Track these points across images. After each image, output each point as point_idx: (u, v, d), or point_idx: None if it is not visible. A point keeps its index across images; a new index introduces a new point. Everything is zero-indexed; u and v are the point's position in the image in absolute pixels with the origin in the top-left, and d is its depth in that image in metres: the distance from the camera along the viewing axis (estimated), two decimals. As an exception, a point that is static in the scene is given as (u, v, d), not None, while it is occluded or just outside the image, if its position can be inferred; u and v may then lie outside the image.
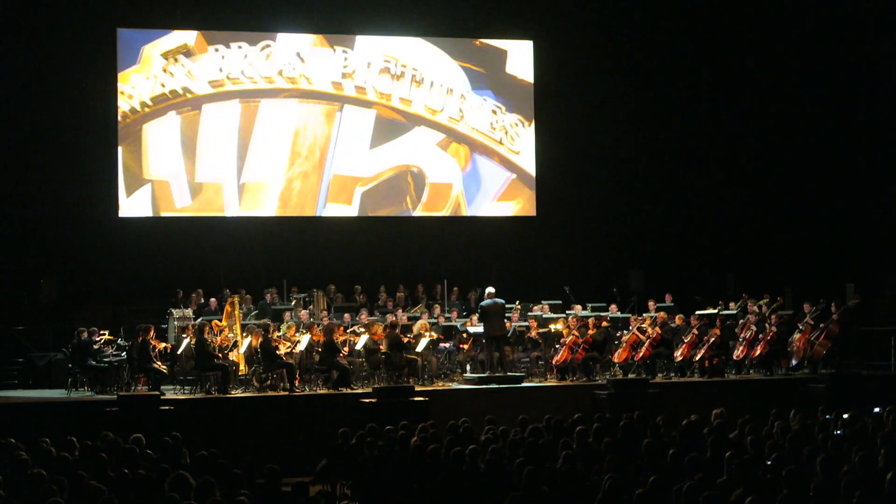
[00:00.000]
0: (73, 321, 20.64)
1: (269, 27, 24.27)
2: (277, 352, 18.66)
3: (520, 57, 25.73)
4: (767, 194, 26.15)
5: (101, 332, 19.66)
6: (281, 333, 19.38)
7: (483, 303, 19.64)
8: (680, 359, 20.35)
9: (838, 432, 13.07)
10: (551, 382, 19.84)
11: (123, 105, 23.37)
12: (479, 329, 19.82)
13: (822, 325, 20.55)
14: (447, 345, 20.42)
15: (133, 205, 23.56)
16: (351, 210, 24.77)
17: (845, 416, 13.73)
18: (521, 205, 25.72)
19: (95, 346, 19.19)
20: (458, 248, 25.00)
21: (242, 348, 18.92)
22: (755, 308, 21.45)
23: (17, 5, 22.82)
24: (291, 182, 24.43)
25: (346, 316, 21.02)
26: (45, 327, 21.94)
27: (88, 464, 10.91)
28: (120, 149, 23.39)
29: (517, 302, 21.68)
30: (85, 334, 19.06)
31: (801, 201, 25.67)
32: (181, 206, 23.85)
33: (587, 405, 17.72)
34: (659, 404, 17.33)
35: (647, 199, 26.54)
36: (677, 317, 20.92)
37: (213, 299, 21.70)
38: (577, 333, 19.88)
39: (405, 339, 19.34)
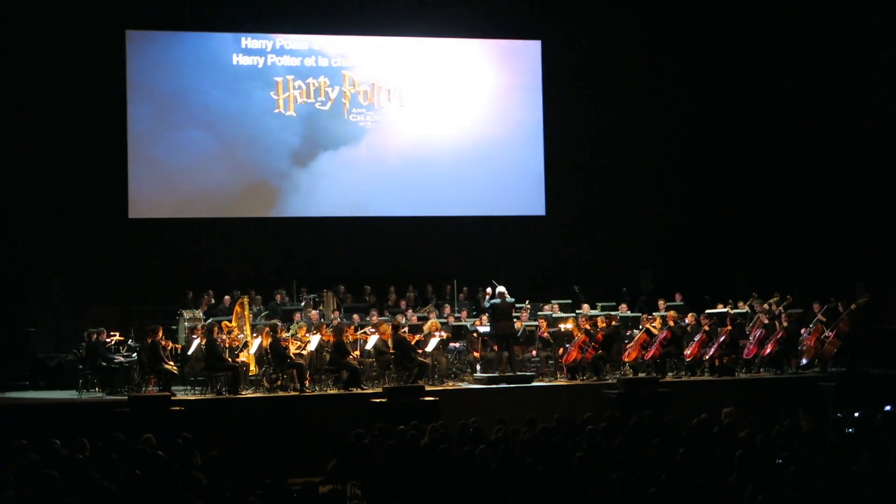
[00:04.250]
0: (83, 322, 20.67)
1: (279, 28, 24.29)
2: (287, 352, 18.69)
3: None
4: (777, 193, 26.10)
5: (112, 332, 19.72)
6: (290, 333, 19.41)
7: (492, 301, 19.65)
8: (690, 358, 20.33)
9: (849, 431, 13.07)
10: (561, 382, 19.83)
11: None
12: (488, 328, 19.83)
13: (832, 324, 20.54)
14: (457, 344, 20.43)
15: (143, 206, 23.60)
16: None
17: (855, 414, 13.72)
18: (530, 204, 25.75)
19: (107, 347, 19.24)
20: (468, 247, 25.00)
21: (253, 349, 18.96)
22: (765, 307, 21.44)
23: (26, 5, 22.86)
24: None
25: (356, 316, 21.03)
26: (56, 328, 21.98)
27: (99, 464, 10.95)
28: (130, 149, 23.44)
29: (527, 301, 21.68)
30: (95, 335, 19.11)
31: (811, 200, 25.61)
32: (191, 207, 23.87)
33: (597, 404, 17.71)
34: (669, 403, 17.33)
35: (656, 198, 26.53)
36: (689, 315, 20.91)
37: (227, 297, 21.77)
38: (586, 332, 19.87)
39: (415, 339, 19.37)
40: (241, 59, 24.11)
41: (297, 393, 18.34)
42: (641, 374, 19.90)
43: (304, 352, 18.95)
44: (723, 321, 20.69)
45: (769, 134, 26.09)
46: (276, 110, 24.23)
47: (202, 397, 18.24)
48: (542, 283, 24.15)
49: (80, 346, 19.50)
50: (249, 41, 24.18)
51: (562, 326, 20.43)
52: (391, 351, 19.04)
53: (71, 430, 13.77)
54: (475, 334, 20.31)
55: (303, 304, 21.95)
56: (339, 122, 24.59)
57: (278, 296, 22.36)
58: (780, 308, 21.31)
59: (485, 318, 20.21)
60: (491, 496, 10.59)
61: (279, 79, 24.24)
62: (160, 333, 18.68)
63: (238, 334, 19.36)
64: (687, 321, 20.76)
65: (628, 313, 21.68)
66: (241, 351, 19.03)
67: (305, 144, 24.47)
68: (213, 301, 21.91)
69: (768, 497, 9.33)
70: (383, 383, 18.71)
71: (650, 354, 20.12)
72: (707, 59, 26.25)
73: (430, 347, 19.37)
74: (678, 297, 22.73)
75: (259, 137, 24.22)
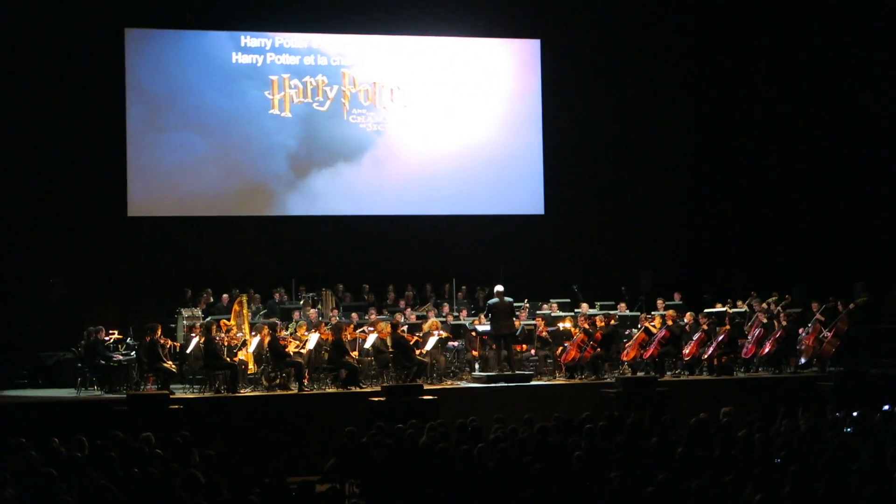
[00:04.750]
0: (82, 321, 20.66)
1: (279, 27, 24.27)
2: (286, 350, 18.69)
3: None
4: (776, 193, 26.11)
5: (111, 331, 19.70)
6: (289, 332, 19.41)
7: (490, 301, 19.66)
8: (688, 357, 20.33)
9: (847, 430, 13.07)
10: (560, 381, 19.83)
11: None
12: (488, 327, 19.83)
13: (831, 323, 20.54)
14: (456, 343, 20.43)
15: (142, 204, 23.59)
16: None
17: (854, 414, 13.72)
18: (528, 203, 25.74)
19: (106, 346, 19.23)
20: (467, 246, 24.99)
21: (251, 347, 18.97)
22: (763, 306, 21.44)
23: (27, 4, 22.84)
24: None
25: (355, 315, 21.03)
26: (55, 327, 21.97)
27: (98, 463, 10.95)
28: (128, 148, 23.43)
29: (525, 300, 21.68)
30: (94, 334, 19.09)
31: (810, 199, 25.61)
32: (190, 205, 23.86)
33: (596, 404, 17.69)
34: (667, 403, 17.32)
35: (655, 197, 26.54)
36: (687, 315, 20.90)
37: (225, 295, 21.77)
38: (585, 331, 19.87)
39: (413, 338, 19.37)
40: (240, 58, 24.10)
41: (295, 391, 18.34)
42: (640, 374, 19.90)
43: (302, 350, 18.95)
44: (721, 320, 20.68)
45: (768, 134, 26.10)
46: (271, 110, 24.22)
47: (201, 396, 18.23)
48: (541, 282, 24.12)
49: (78, 345, 19.49)
50: (249, 39, 24.16)
51: (560, 325, 20.43)
52: (390, 350, 19.05)
53: (69, 428, 13.77)
54: (474, 333, 20.30)
55: (301, 302, 21.94)
56: (337, 121, 24.58)
57: (277, 294, 22.37)
58: (779, 307, 21.30)
59: (483, 317, 20.21)
60: (489, 495, 10.59)
61: (275, 77, 24.23)
62: (159, 332, 18.68)
63: (237, 333, 19.36)
64: (686, 320, 20.75)
65: (627, 312, 21.67)
66: (240, 349, 19.04)
67: (304, 143, 24.45)
68: (211, 299, 21.91)
69: (767, 496, 9.33)
70: (382, 382, 18.68)
71: (649, 353, 20.13)
72: (706, 58, 26.26)
73: (428, 346, 19.37)
74: (677, 296, 22.73)
75: (258, 137, 24.21)
